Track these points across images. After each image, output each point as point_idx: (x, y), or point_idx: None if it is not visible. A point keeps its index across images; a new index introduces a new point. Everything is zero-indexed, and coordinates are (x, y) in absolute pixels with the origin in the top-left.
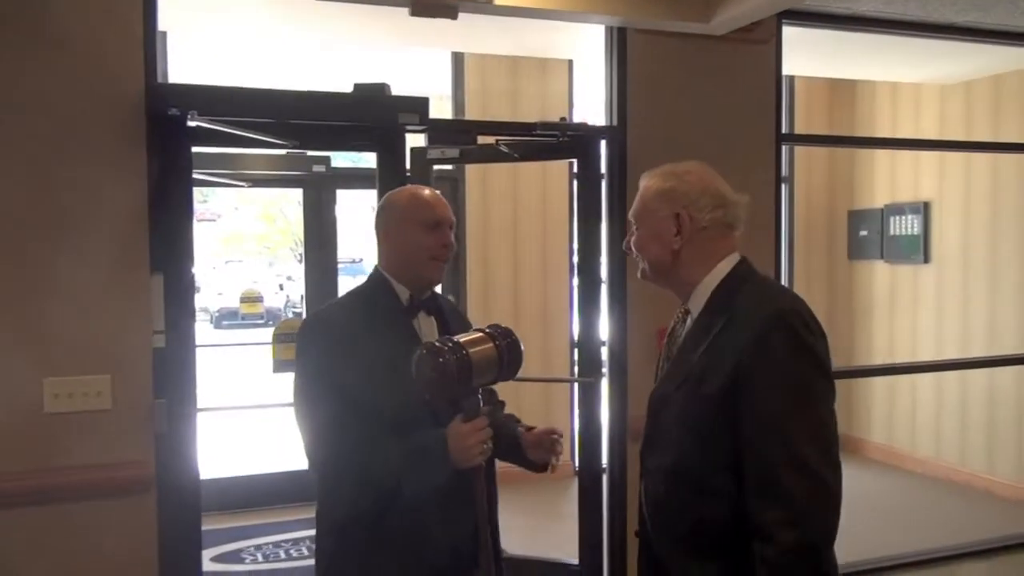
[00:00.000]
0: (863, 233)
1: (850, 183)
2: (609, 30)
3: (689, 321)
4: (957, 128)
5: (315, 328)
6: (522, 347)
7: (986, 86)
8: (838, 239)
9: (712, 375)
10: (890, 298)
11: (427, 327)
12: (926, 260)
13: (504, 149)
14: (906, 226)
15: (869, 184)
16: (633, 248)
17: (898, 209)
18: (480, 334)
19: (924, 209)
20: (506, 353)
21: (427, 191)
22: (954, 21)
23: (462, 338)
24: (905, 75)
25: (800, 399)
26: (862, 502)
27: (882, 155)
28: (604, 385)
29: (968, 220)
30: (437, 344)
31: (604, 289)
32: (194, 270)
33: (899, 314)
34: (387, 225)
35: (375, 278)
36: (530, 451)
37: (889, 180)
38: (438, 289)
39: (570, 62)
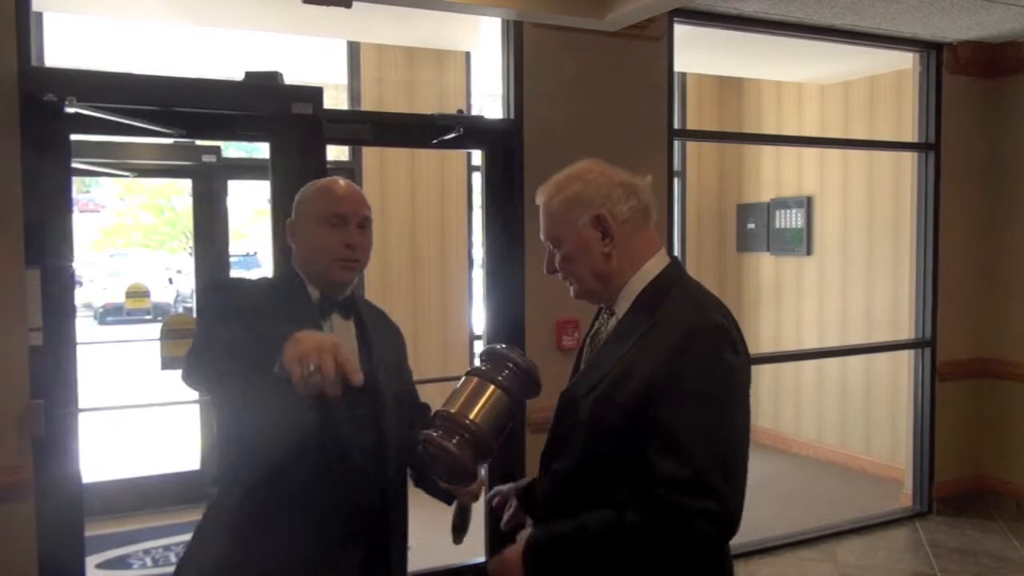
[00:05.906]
0: (751, 226)
1: (738, 178)
2: (505, 23)
3: (613, 322)
4: (836, 126)
5: (216, 284)
6: (531, 363)
7: (862, 86)
8: (727, 232)
9: (628, 380)
10: (776, 289)
11: (341, 330)
12: (808, 252)
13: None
14: (790, 219)
15: (756, 179)
16: (561, 269)
17: (783, 203)
18: (473, 380)
19: (807, 203)
20: (516, 386)
21: (341, 182)
22: (833, 23)
23: (455, 404)
24: (788, 74)
25: (712, 419)
26: (751, 484)
27: (768, 151)
28: None
29: (846, 214)
30: (434, 437)
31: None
32: (74, 264)
33: (784, 304)
34: (296, 219)
35: (287, 272)
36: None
37: (775, 175)
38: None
39: (467, 54)
